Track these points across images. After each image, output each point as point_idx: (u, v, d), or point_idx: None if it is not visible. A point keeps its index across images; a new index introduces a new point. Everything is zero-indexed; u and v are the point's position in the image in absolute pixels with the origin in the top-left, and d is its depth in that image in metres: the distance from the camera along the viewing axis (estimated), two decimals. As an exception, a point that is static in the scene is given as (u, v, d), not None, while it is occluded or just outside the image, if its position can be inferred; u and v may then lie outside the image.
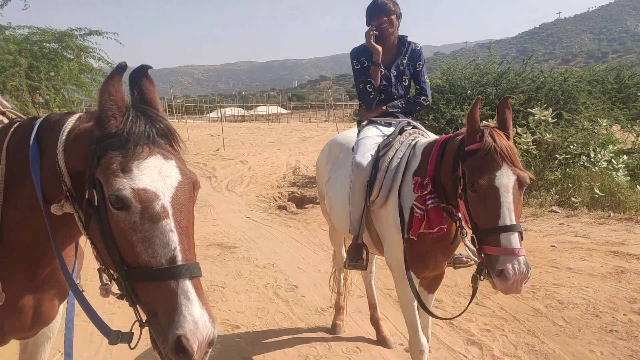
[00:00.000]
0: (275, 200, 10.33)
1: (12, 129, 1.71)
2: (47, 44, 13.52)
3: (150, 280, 1.41)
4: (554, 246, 5.84)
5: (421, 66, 3.50)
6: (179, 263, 1.41)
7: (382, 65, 3.36)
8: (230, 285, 5.18)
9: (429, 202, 2.53)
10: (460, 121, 9.96)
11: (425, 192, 2.53)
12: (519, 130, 8.30)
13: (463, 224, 2.52)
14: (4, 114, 2.01)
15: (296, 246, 6.75)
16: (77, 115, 1.67)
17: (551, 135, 8.53)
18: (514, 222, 2.16)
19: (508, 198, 2.19)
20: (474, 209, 2.27)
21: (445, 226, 2.56)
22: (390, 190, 2.86)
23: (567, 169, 8.47)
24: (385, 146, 3.00)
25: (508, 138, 2.31)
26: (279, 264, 5.91)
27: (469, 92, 11.17)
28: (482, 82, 11.38)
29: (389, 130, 3.20)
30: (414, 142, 2.94)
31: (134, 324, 1.51)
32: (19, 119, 1.88)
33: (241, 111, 56.84)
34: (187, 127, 26.64)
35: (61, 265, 1.62)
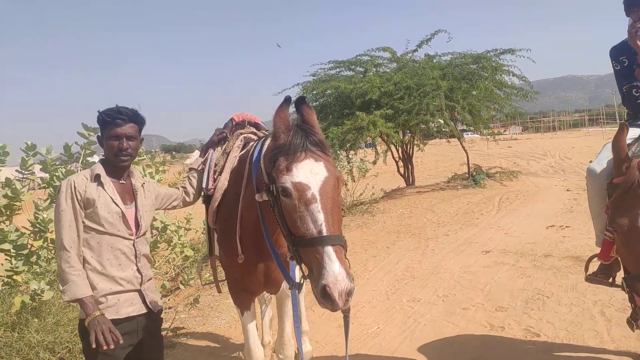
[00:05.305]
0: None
1: (256, 144, 2.61)
2: (467, 66, 15.22)
3: (306, 245, 1.96)
4: None
5: None
6: (324, 234, 1.93)
7: None
8: (556, 297, 5.01)
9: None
10: None
11: None
12: None
13: None
14: (255, 133, 3.08)
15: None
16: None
17: None
18: None
19: None
20: (619, 250, 2.02)
21: None
22: None
23: None
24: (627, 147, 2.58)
25: None
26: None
27: None
28: None
29: None
30: None
31: (301, 277, 2.17)
32: (263, 137, 2.76)
33: None
34: None
35: (265, 232, 2.43)
